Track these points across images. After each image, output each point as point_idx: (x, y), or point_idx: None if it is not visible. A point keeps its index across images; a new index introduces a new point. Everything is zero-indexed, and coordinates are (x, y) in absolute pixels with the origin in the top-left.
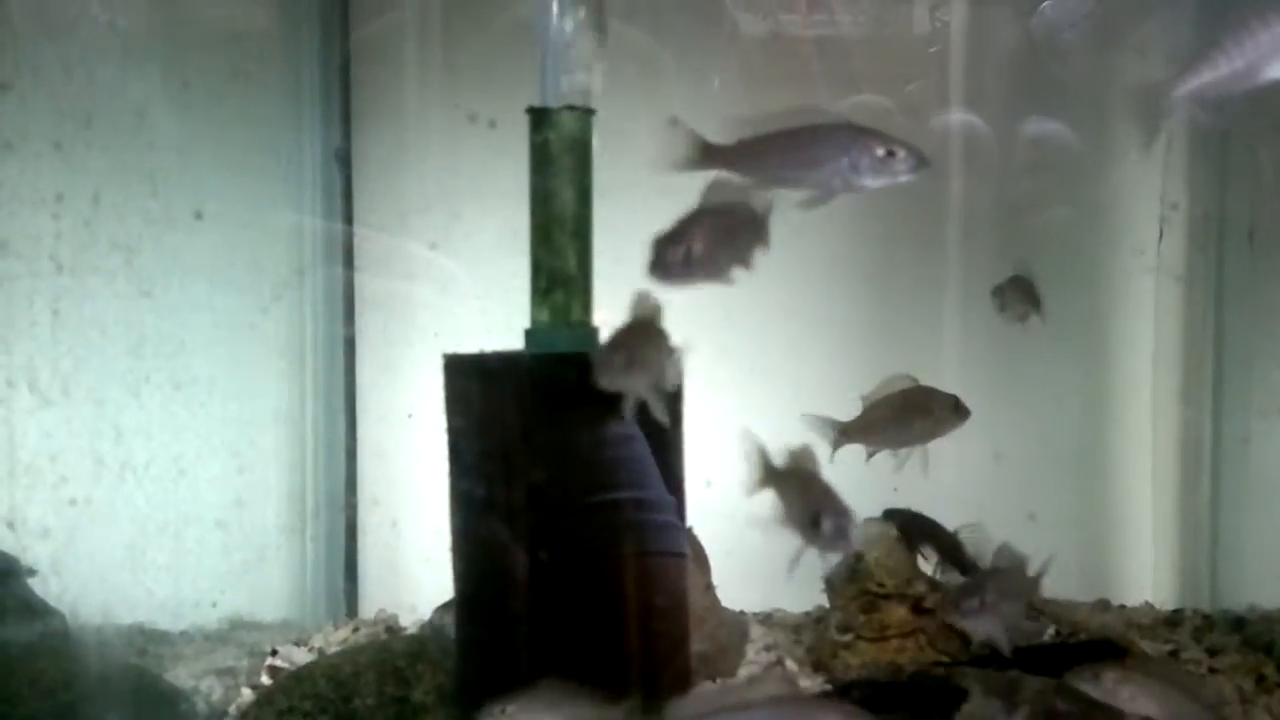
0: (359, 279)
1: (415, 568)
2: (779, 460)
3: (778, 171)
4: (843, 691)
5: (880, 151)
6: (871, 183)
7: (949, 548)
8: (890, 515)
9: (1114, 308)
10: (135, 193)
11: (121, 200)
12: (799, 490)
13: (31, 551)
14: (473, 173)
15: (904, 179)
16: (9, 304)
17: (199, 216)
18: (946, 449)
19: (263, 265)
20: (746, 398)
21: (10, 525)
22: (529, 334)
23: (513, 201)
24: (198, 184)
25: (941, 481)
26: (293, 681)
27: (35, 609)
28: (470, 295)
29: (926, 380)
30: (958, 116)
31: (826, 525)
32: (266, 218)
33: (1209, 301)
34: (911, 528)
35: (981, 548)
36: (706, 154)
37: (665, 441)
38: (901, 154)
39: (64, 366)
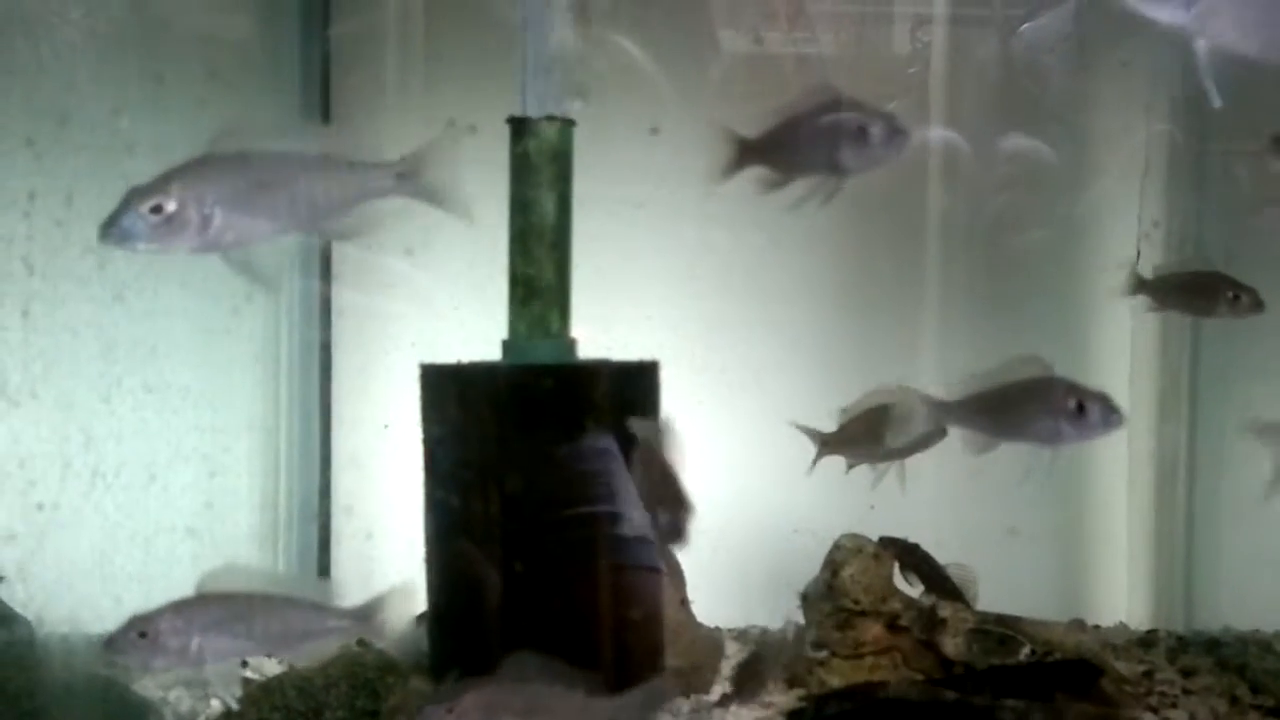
0: (335, 288)
1: (389, 579)
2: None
3: (806, 157)
4: (818, 706)
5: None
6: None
7: (937, 581)
8: (887, 544)
9: (1091, 325)
10: (110, 194)
11: (96, 201)
12: (647, 473)
13: None
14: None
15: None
16: None
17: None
18: (926, 463)
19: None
20: (724, 412)
21: None
22: (506, 345)
23: (493, 209)
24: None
25: (921, 496)
26: (262, 693)
27: (2, 616)
28: (447, 306)
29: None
30: (938, 134)
31: (663, 518)
32: None
33: (1186, 319)
34: (905, 557)
35: (968, 587)
36: (744, 150)
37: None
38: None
39: (34, 370)
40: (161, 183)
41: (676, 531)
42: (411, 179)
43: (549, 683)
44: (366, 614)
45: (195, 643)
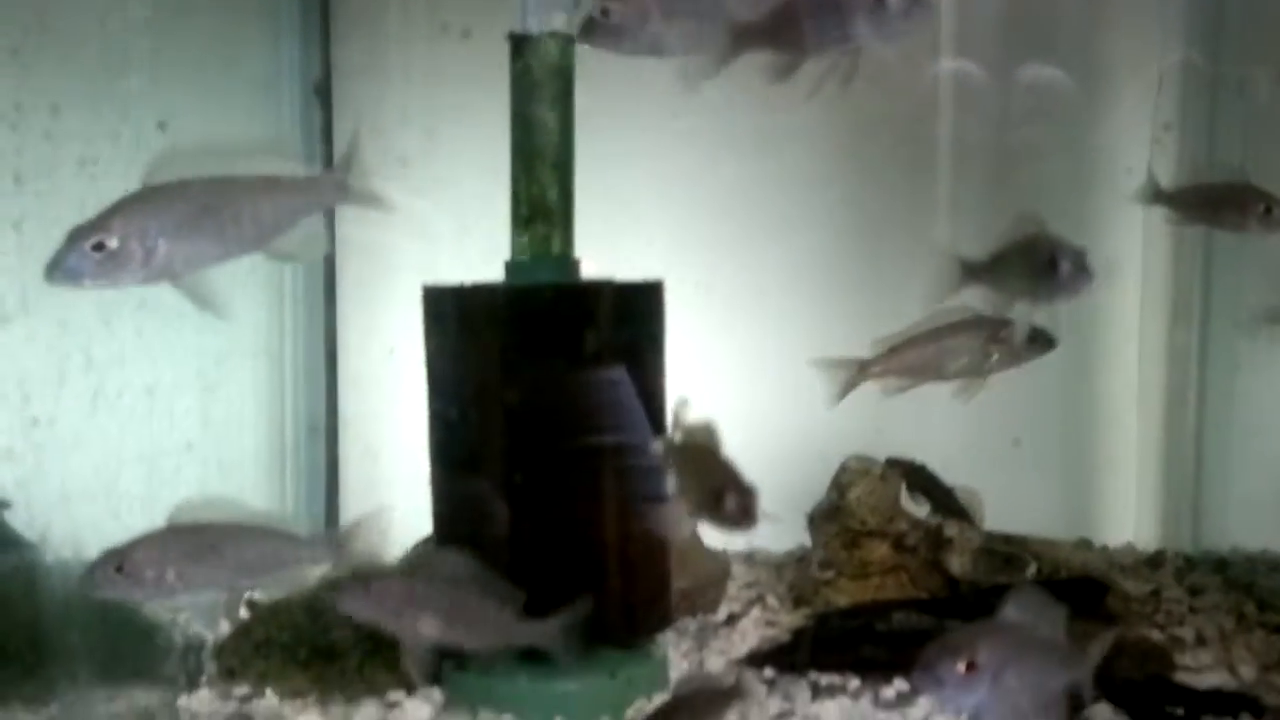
0: (336, 218)
1: (396, 500)
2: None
3: (816, 34)
4: (820, 623)
5: None
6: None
7: (944, 501)
8: (893, 464)
9: (1103, 234)
10: (101, 109)
11: (86, 115)
12: (698, 467)
13: None
14: (451, 89)
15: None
16: None
17: (162, 127)
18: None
19: None
20: (728, 334)
21: None
22: (509, 265)
23: (493, 121)
24: (167, 101)
25: (927, 407)
26: (270, 614)
27: (5, 540)
28: (449, 230)
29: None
30: (950, 63)
31: (730, 503)
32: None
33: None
34: (912, 478)
35: (975, 508)
36: (743, 33)
37: (648, 383)
38: None
39: (29, 289)
40: (103, 219)
41: (747, 514)
42: (347, 188)
43: (469, 585)
44: (338, 542)
45: (171, 574)
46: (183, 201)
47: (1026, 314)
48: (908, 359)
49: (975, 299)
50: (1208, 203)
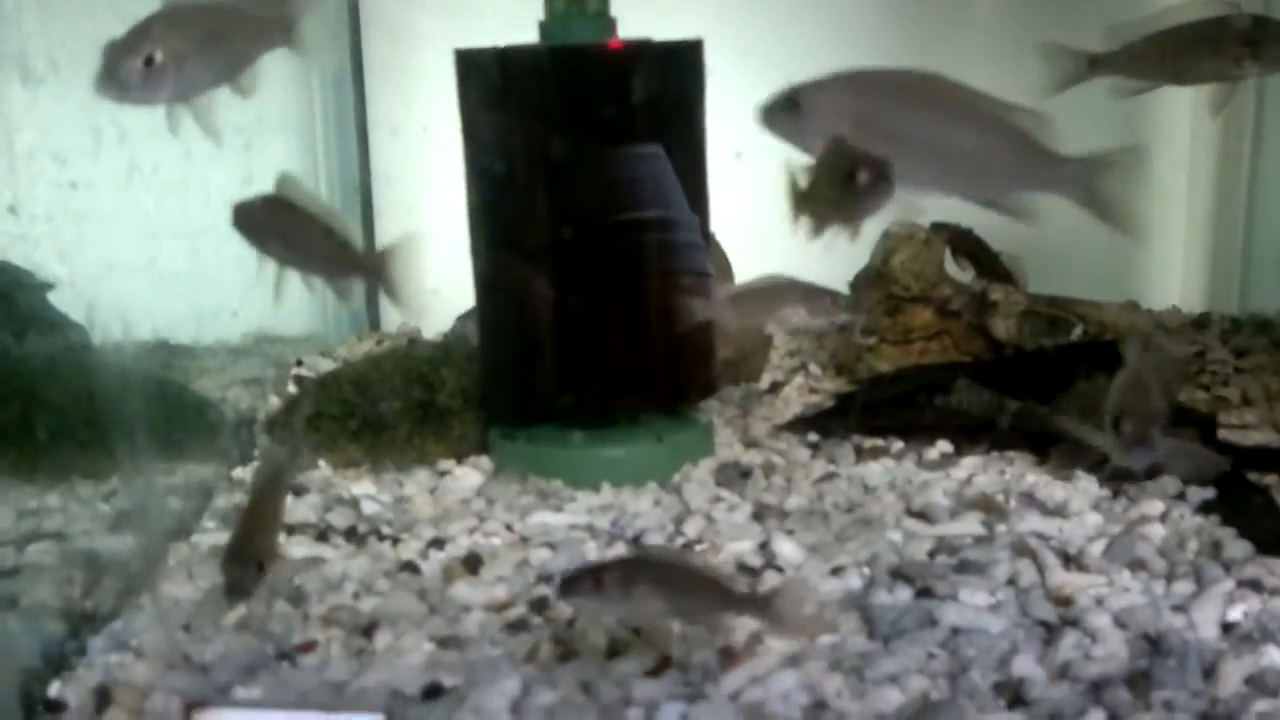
0: None
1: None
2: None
3: None
4: (869, 389)
5: None
6: None
7: (989, 265)
8: (938, 229)
9: None
10: None
11: None
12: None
13: (38, 245)
14: None
15: None
16: None
17: None
18: None
19: None
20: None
21: (13, 210)
22: (543, 26)
23: None
24: None
25: None
26: (319, 387)
27: (54, 322)
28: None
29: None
30: None
31: (862, 176)
32: None
33: None
34: (957, 241)
35: (1020, 273)
36: None
37: (690, 142)
38: None
39: (57, 54)
40: (144, 36)
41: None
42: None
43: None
44: (376, 260)
45: None
46: (205, 25)
47: None
48: (1145, 55)
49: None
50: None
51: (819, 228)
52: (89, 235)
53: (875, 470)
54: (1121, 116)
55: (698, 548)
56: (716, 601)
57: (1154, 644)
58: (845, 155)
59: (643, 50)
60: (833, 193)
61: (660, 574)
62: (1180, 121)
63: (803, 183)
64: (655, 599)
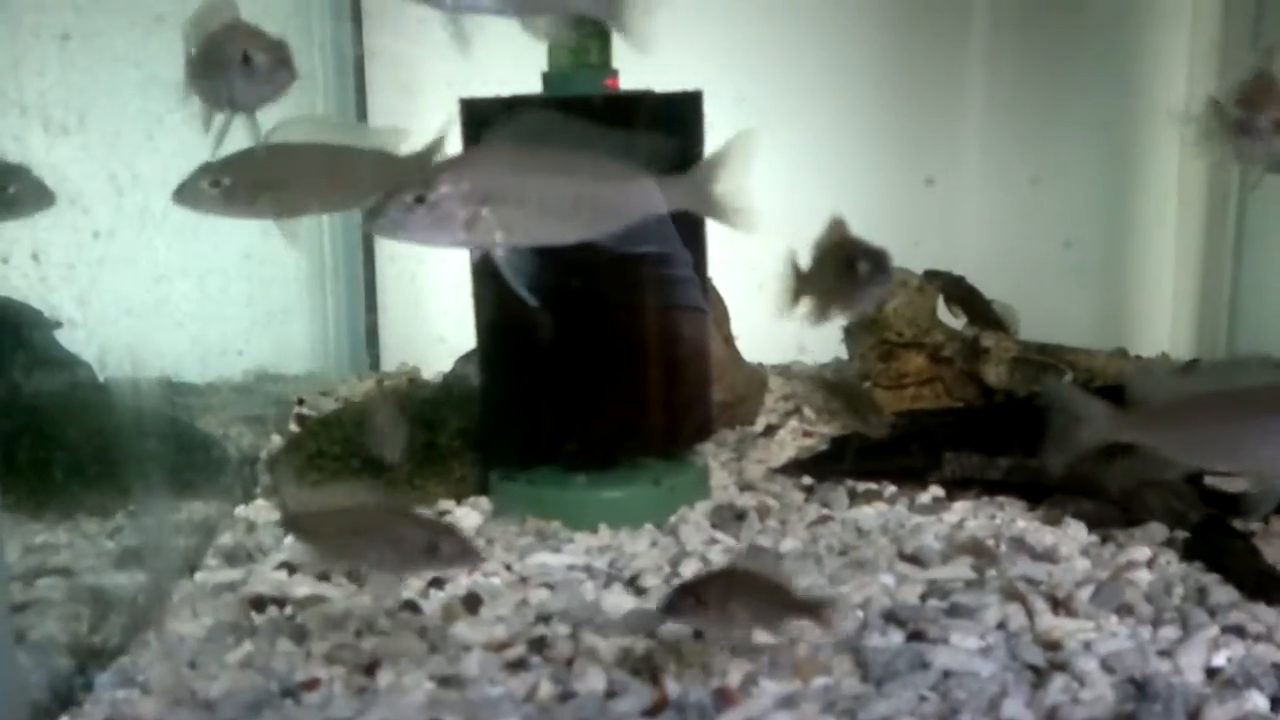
0: (366, 29)
1: (434, 322)
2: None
3: None
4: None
5: None
6: None
7: (981, 312)
8: (931, 276)
9: (1146, 66)
10: None
11: None
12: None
13: (56, 293)
14: None
15: None
16: (14, 38)
17: None
18: (982, 173)
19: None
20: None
21: (35, 258)
22: (546, 76)
23: None
24: None
25: (979, 207)
26: (321, 427)
27: (62, 360)
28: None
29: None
30: None
31: (863, 267)
32: None
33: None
34: (950, 289)
35: (1011, 321)
36: None
37: None
38: None
39: (76, 101)
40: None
41: (882, 271)
42: None
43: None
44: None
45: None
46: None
47: None
48: None
49: None
50: None
51: (820, 314)
52: (104, 284)
53: (868, 514)
54: (1108, 167)
55: None
56: (787, 608)
57: (1140, 688)
58: (845, 243)
59: (645, 101)
60: (834, 281)
61: (748, 585)
62: (1168, 170)
63: (804, 267)
64: (745, 611)
